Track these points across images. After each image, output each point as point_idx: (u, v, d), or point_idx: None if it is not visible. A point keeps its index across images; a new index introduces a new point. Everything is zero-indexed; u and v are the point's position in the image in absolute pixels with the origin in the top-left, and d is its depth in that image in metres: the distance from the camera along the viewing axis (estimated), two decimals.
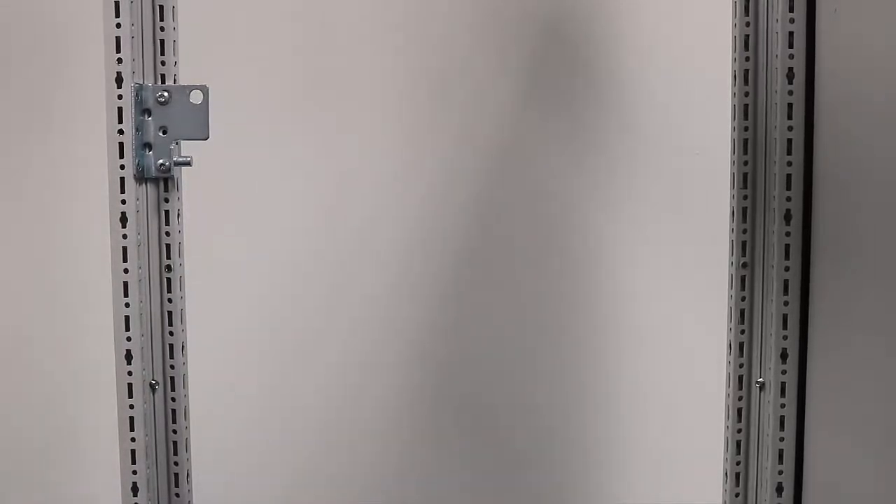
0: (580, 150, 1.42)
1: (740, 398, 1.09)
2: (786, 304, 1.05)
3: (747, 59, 1.05)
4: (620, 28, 1.41)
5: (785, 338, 1.05)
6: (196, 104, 1.04)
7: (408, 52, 1.42)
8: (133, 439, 1.08)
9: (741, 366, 1.09)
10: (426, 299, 1.45)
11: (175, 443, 1.10)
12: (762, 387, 1.08)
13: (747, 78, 1.06)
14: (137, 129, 1.03)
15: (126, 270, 1.04)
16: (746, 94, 1.06)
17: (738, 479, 1.10)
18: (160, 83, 1.05)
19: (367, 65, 1.41)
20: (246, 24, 1.40)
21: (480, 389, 1.46)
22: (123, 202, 1.03)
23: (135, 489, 1.08)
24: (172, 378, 1.09)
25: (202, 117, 1.04)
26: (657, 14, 1.41)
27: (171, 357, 1.09)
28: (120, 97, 1.03)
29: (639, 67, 1.41)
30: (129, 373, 1.07)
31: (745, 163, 1.06)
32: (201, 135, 1.04)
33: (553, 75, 1.42)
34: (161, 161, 1.04)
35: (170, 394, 1.09)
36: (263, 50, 1.41)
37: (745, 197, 1.07)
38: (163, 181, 1.06)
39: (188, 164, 1.06)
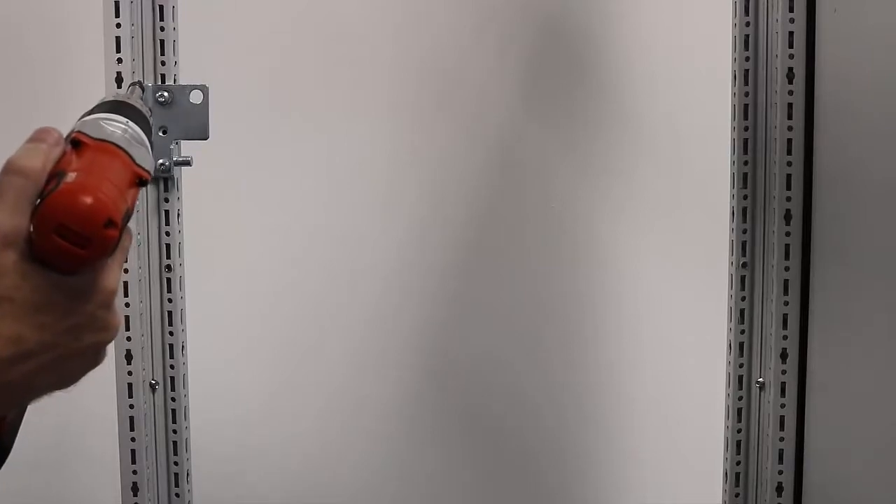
0: (580, 150, 1.42)
1: (740, 398, 1.09)
2: (786, 304, 1.05)
3: (747, 59, 1.05)
4: (620, 28, 1.41)
5: (785, 338, 1.05)
6: (196, 104, 1.03)
7: (408, 52, 1.42)
8: (133, 439, 1.08)
9: (741, 366, 1.09)
10: (427, 299, 1.45)
11: (175, 443, 1.10)
12: (762, 387, 1.08)
13: (747, 78, 1.06)
14: None
15: (126, 270, 1.04)
16: (746, 94, 1.06)
17: (738, 479, 1.10)
18: (160, 83, 1.05)
19: (367, 64, 1.41)
20: (246, 24, 1.40)
21: (481, 389, 1.46)
22: None
23: (135, 489, 1.08)
24: (172, 378, 1.09)
25: (202, 117, 1.03)
26: (657, 14, 1.41)
27: (171, 357, 1.09)
28: None
29: (639, 67, 1.41)
30: (130, 373, 1.07)
31: (745, 163, 1.06)
32: (201, 135, 1.04)
33: (553, 75, 1.42)
34: (161, 161, 1.04)
35: (170, 394, 1.09)
36: (263, 50, 1.41)
37: (745, 197, 1.07)
38: (163, 181, 1.06)
39: (188, 164, 1.06)
